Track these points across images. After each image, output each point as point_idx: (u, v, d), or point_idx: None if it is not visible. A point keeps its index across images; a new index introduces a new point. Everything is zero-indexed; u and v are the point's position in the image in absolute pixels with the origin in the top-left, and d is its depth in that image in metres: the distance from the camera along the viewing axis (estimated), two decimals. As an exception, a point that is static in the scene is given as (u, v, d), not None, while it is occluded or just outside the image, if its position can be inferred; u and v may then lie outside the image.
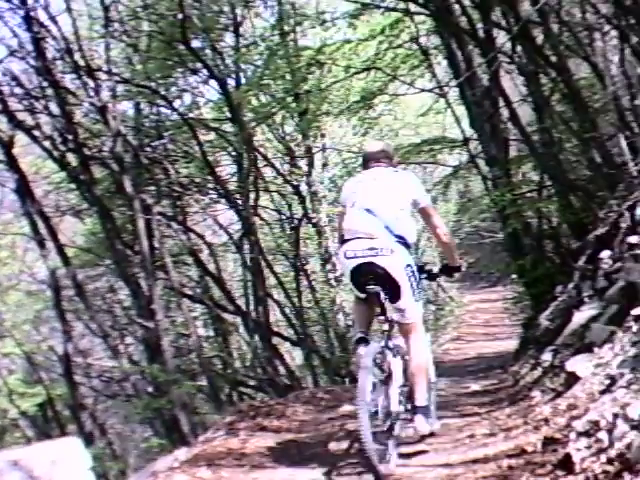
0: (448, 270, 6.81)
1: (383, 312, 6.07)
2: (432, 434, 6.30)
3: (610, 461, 3.71)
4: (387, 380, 5.84)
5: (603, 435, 3.99)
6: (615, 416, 4.05)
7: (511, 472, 4.66)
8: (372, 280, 5.96)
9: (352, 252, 5.99)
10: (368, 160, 6.62)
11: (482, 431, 6.38)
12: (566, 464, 4.08)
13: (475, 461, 5.28)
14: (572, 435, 4.34)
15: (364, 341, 5.97)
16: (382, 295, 5.98)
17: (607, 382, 5.23)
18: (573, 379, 6.12)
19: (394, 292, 6.01)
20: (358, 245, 5.97)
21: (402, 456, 5.90)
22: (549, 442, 4.89)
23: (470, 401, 8.79)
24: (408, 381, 6.14)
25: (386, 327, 6.09)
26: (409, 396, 6.14)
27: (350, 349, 20.81)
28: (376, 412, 5.49)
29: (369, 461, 5.22)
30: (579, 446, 4.09)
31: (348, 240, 6.07)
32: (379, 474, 5.28)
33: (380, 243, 5.92)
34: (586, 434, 4.18)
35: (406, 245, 6.08)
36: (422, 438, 6.24)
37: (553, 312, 10.22)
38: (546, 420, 5.65)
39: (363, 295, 6.15)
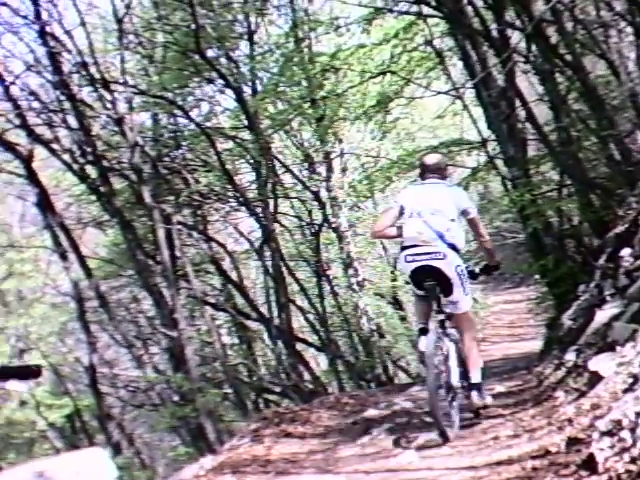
0: (489, 269, 8.12)
1: (439, 305, 7.24)
2: (485, 407, 7.59)
3: (633, 460, 3.69)
4: (446, 361, 7.05)
5: (626, 434, 3.96)
6: (637, 415, 4.02)
7: (535, 473, 4.64)
8: (429, 279, 7.10)
9: (411, 257, 7.13)
10: (425, 172, 7.60)
11: (506, 433, 6.36)
12: (589, 464, 4.05)
13: (499, 463, 5.26)
14: (595, 435, 4.30)
15: (425, 331, 7.10)
16: (437, 290, 7.14)
17: (630, 381, 5.21)
18: (596, 378, 6.10)
19: (447, 288, 7.16)
20: (416, 251, 7.09)
21: (425, 459, 5.92)
22: (573, 442, 4.86)
23: (494, 403, 8.76)
24: (463, 362, 7.31)
25: (442, 317, 7.26)
26: (464, 375, 7.30)
27: (374, 354, 20.85)
28: (440, 386, 6.85)
29: (438, 425, 6.61)
30: (602, 446, 4.06)
31: (408, 247, 7.18)
32: (446, 435, 6.60)
33: (434, 249, 7.04)
34: (609, 433, 4.15)
35: (456, 250, 7.15)
36: (477, 410, 7.52)
37: (576, 311, 10.17)
38: (570, 420, 5.63)
39: (422, 292, 7.26)
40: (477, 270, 8.05)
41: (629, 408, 4.18)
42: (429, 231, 7.06)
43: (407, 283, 7.89)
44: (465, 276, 7.28)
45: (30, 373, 5.38)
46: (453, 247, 7.12)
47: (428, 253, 7.04)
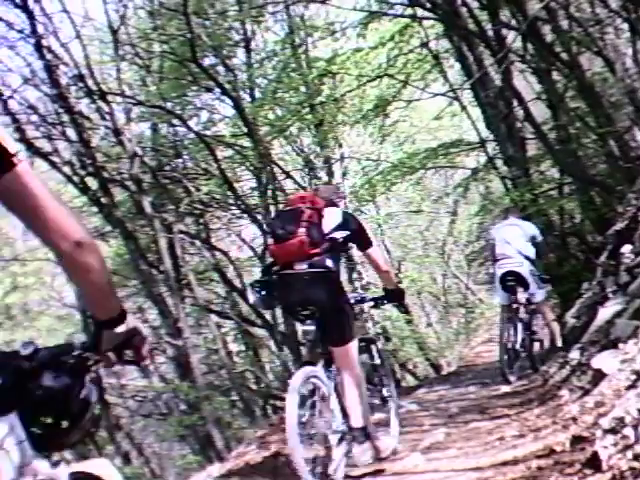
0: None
1: (515, 296, 10.91)
2: None
3: (636, 457, 3.68)
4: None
5: (629, 431, 3.96)
6: (640, 412, 4.03)
7: (540, 473, 4.64)
8: (512, 280, 10.83)
9: (502, 265, 10.94)
10: (507, 214, 11.88)
11: (511, 433, 6.36)
12: (594, 462, 4.05)
13: (505, 463, 5.26)
14: (599, 433, 4.31)
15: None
16: (518, 287, 10.83)
17: (633, 378, 5.20)
18: (600, 376, 6.09)
19: (525, 285, 10.85)
20: (504, 261, 10.92)
21: (431, 461, 5.92)
22: (577, 441, 4.86)
23: (500, 403, 8.77)
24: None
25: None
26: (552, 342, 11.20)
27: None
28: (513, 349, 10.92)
29: None
30: (606, 444, 4.07)
31: (499, 259, 11.00)
32: None
33: (515, 260, 10.82)
34: (612, 431, 4.15)
35: (530, 260, 10.85)
36: None
37: (579, 309, 10.20)
38: (574, 419, 5.62)
39: (506, 294, 10.95)
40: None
41: (632, 405, 4.18)
42: (511, 248, 11.00)
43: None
44: (537, 277, 11.04)
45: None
46: (528, 258, 10.94)
47: (511, 263, 11.04)
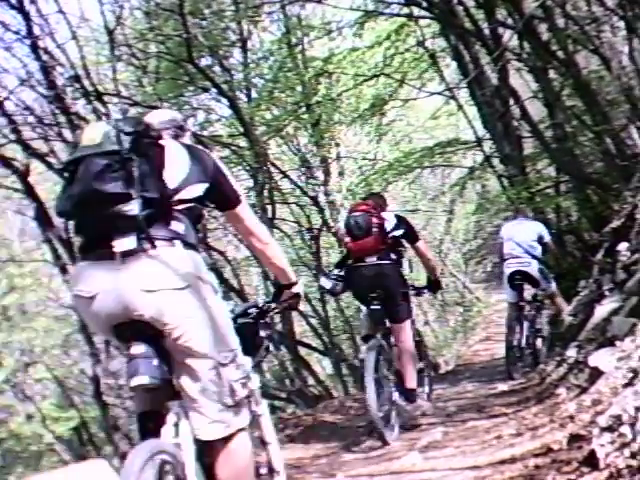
0: None
1: (522, 294, 11.39)
2: None
3: (633, 455, 3.69)
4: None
5: (626, 429, 3.96)
6: (637, 409, 4.02)
7: (538, 471, 4.64)
8: (520, 278, 11.16)
9: (509, 265, 11.23)
10: (516, 214, 12.31)
11: (509, 431, 6.36)
12: (591, 460, 4.05)
13: (502, 462, 5.26)
14: (596, 431, 4.31)
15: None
16: (525, 284, 11.28)
17: (630, 375, 5.20)
18: (597, 374, 6.09)
19: (533, 282, 11.27)
20: (512, 261, 11.20)
21: (429, 460, 5.93)
22: (574, 439, 4.86)
23: (497, 402, 8.78)
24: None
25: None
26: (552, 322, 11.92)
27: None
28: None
29: None
30: (603, 442, 4.07)
31: (507, 259, 11.27)
32: None
33: (523, 259, 11.10)
34: (609, 429, 4.15)
35: (537, 259, 11.14)
36: None
37: (576, 307, 10.19)
38: (571, 417, 5.62)
39: (514, 293, 11.31)
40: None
41: (629, 403, 4.18)
42: (519, 248, 11.30)
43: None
44: (545, 273, 11.41)
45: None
46: (535, 257, 11.27)
47: (519, 263, 11.29)
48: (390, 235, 7.81)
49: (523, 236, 11.25)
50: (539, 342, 11.82)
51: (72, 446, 24.59)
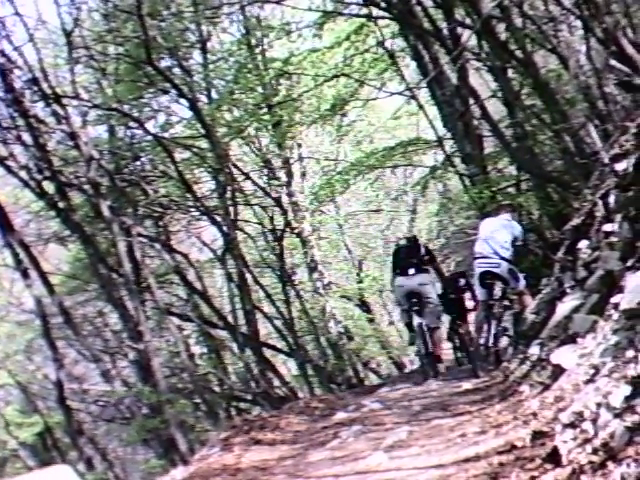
0: None
1: (492, 293, 11.21)
2: None
3: (595, 451, 3.71)
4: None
5: (588, 425, 4.00)
6: (598, 405, 4.06)
7: (502, 469, 4.66)
8: (490, 277, 11.11)
9: (480, 265, 11.24)
10: (498, 211, 11.89)
11: (473, 429, 6.39)
12: (554, 457, 4.08)
13: (467, 460, 5.28)
14: (558, 427, 4.35)
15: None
16: (498, 283, 11.11)
17: (591, 372, 5.23)
18: (559, 371, 6.14)
19: (503, 281, 11.11)
20: (482, 260, 11.19)
21: (394, 459, 5.94)
22: (538, 436, 4.89)
23: (462, 400, 8.80)
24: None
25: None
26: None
27: (344, 356, 20.92)
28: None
29: None
30: (565, 438, 4.10)
31: (477, 257, 11.33)
32: None
33: (492, 260, 11.05)
34: (571, 425, 4.19)
35: (507, 260, 11.00)
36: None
37: (538, 305, 10.26)
38: (534, 414, 5.66)
39: (484, 291, 11.28)
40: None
41: (590, 399, 4.22)
42: (488, 247, 11.25)
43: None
44: (515, 273, 11.32)
45: None
46: (505, 259, 11.08)
47: (489, 263, 11.24)
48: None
49: (496, 235, 11.15)
50: (504, 340, 11.79)
51: (36, 452, 24.42)
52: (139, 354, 17.21)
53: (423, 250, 12.33)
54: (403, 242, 13.00)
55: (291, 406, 11.42)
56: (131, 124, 18.90)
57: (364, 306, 24.41)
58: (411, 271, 11.81)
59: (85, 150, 16.48)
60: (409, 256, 12.06)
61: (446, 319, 14.33)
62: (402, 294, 12.03)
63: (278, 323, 20.89)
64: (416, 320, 11.85)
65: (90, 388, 22.55)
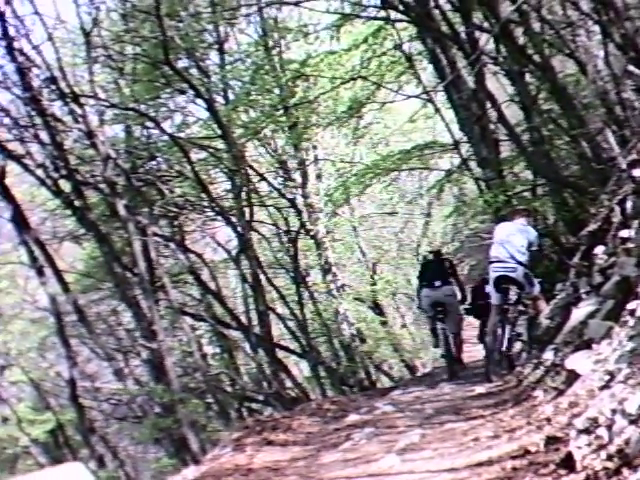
0: None
1: (506, 298, 11.23)
2: None
3: (610, 457, 3.70)
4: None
5: (602, 431, 3.98)
6: (613, 412, 4.04)
7: (515, 473, 4.64)
8: (505, 282, 11.11)
9: (495, 269, 11.20)
10: (513, 215, 11.71)
11: (486, 433, 6.37)
12: (568, 463, 4.06)
13: (480, 464, 5.26)
14: (573, 433, 4.33)
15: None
16: (513, 288, 11.12)
17: (606, 378, 5.22)
18: (573, 377, 6.12)
19: (519, 285, 11.09)
20: (498, 265, 11.17)
21: (406, 462, 5.93)
22: (551, 441, 4.86)
23: (475, 404, 8.78)
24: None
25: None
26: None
27: (356, 359, 20.90)
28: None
29: None
30: (580, 444, 4.08)
31: (493, 262, 11.27)
32: None
33: (509, 265, 11.01)
34: (586, 431, 4.17)
35: (523, 265, 10.95)
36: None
37: (553, 310, 10.24)
38: (548, 419, 5.64)
39: (499, 295, 11.26)
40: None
41: (605, 405, 4.20)
42: (505, 251, 11.17)
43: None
44: (531, 278, 11.26)
45: None
46: (521, 264, 10.99)
47: (505, 268, 11.19)
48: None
49: (512, 240, 11.08)
50: (517, 345, 11.79)
51: (48, 449, 24.45)
52: (152, 353, 17.24)
53: (447, 264, 13.92)
54: (430, 257, 14.77)
55: (303, 407, 11.42)
56: (148, 124, 18.96)
57: (377, 309, 24.40)
58: (437, 283, 13.09)
59: (102, 149, 16.55)
60: (435, 269, 13.52)
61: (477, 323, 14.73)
62: (428, 303, 13.34)
63: (291, 324, 20.91)
64: (440, 326, 13.21)
65: (102, 386, 22.61)
